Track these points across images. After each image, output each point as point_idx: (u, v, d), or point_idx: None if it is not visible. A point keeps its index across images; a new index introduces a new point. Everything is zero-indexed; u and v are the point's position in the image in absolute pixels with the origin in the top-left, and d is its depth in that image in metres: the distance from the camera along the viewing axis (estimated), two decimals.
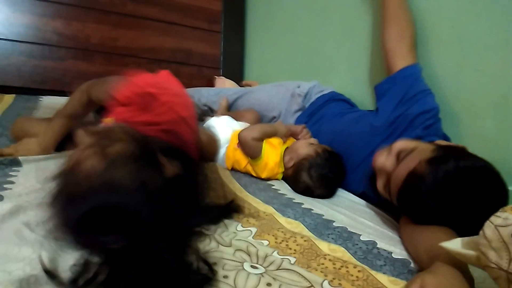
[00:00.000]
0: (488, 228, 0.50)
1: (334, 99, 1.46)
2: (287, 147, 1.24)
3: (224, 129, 1.34)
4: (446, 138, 1.12)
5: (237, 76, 2.49)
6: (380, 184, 0.93)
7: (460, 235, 0.59)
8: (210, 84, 2.33)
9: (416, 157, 0.82)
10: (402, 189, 0.82)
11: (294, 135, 1.33)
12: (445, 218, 0.75)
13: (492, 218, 0.50)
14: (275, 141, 1.25)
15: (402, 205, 0.85)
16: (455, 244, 0.54)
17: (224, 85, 2.22)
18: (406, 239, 0.83)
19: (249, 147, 1.19)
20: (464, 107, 1.14)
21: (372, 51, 1.51)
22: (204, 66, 2.45)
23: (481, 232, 0.51)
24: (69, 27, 2.03)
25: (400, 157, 0.87)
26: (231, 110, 1.66)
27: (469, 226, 0.60)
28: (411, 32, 1.23)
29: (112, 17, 2.14)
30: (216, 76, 2.36)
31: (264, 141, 1.22)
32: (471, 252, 0.51)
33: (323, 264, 0.68)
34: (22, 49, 1.94)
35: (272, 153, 1.21)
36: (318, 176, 1.11)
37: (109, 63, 2.17)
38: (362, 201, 1.13)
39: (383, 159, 0.92)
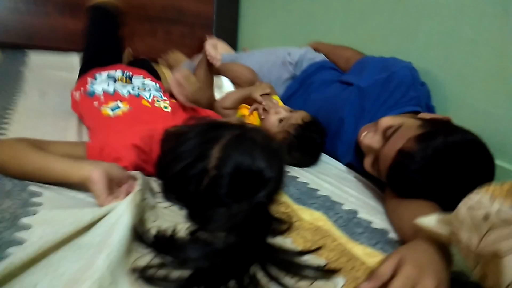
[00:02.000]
0: (461, 209, 0.50)
1: (326, 67, 1.42)
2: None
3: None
4: (429, 108, 1.11)
5: (231, 37, 2.42)
6: (367, 162, 0.92)
7: (446, 209, 0.59)
8: (202, 45, 2.26)
9: (404, 134, 0.80)
10: (391, 167, 0.81)
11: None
12: (432, 193, 0.75)
13: (466, 200, 0.51)
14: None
15: (391, 183, 0.85)
16: (430, 221, 0.55)
17: (216, 47, 2.16)
18: (391, 211, 0.83)
19: (222, 116, 1.23)
20: (455, 77, 1.12)
21: (368, 15, 1.47)
22: (197, 26, 2.37)
23: (454, 212, 0.51)
24: None
25: (386, 134, 0.86)
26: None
27: (455, 200, 0.60)
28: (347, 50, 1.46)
29: None
30: (207, 36, 2.30)
31: (241, 108, 1.29)
32: (443, 231, 0.53)
33: (303, 234, 0.70)
34: (7, 4, 1.88)
35: (252, 121, 1.24)
36: (300, 155, 1.09)
37: None
38: (349, 169, 1.14)
39: (370, 137, 0.91)
